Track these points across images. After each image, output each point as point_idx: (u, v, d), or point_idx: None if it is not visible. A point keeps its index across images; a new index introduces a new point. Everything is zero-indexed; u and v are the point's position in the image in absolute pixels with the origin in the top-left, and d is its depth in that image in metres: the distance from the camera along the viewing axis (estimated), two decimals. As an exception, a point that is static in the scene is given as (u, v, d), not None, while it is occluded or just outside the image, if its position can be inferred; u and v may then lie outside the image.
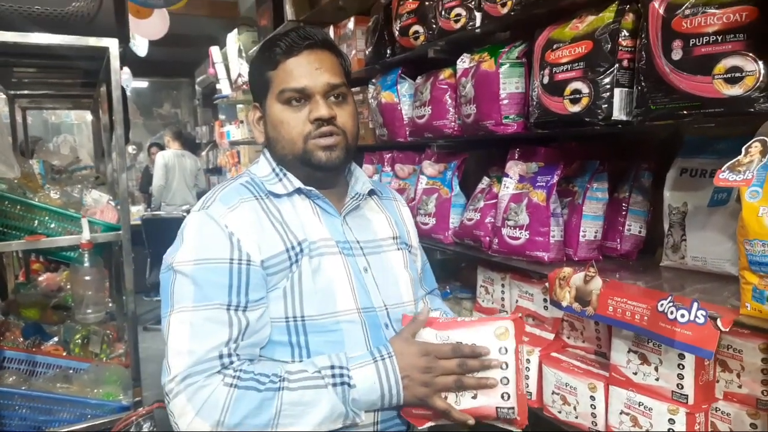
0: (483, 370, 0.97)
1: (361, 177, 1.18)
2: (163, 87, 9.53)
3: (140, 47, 4.43)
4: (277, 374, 0.92)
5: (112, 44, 1.70)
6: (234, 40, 4.68)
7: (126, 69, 5.49)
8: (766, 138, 0.87)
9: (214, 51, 5.39)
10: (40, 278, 2.82)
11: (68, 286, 2.56)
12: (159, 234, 5.05)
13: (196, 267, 0.95)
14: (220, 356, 0.91)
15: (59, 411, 1.63)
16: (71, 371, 1.80)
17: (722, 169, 0.91)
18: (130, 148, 8.29)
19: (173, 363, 0.91)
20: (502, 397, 0.97)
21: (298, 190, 1.08)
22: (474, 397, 0.98)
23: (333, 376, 0.93)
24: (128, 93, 7.77)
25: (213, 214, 0.99)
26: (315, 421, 0.91)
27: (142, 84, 8.96)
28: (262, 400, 0.89)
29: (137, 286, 1.99)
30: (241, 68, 4.60)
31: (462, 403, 0.98)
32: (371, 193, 1.21)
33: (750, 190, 0.92)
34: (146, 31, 3.82)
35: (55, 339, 2.00)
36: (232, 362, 0.92)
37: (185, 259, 0.96)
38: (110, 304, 2.51)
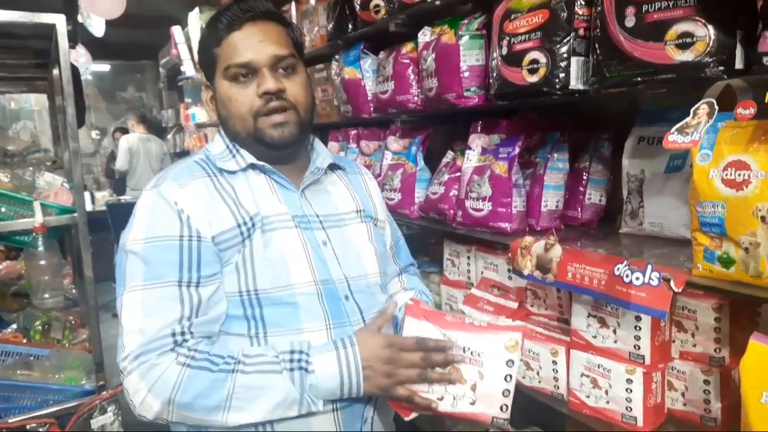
0: (447, 365, 0.97)
1: (322, 152, 1.17)
2: (126, 70, 9.23)
3: (96, 27, 4.27)
4: (234, 357, 0.92)
5: (59, 20, 1.63)
6: (196, 19, 4.54)
7: (84, 51, 5.28)
8: (712, 99, 0.89)
9: (176, 31, 5.24)
10: (-1, 267, 2.73)
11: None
12: (125, 219, 4.90)
13: (146, 245, 0.95)
14: (173, 334, 0.92)
15: (19, 398, 1.59)
16: (32, 358, 1.74)
17: (671, 131, 0.92)
18: (94, 133, 8.07)
19: (126, 341, 0.92)
20: (501, 408, 0.97)
21: (252, 166, 1.06)
22: (472, 404, 0.97)
23: (291, 361, 0.92)
24: (89, 77, 7.52)
25: (163, 192, 0.99)
26: (267, 407, 0.91)
27: (104, 67, 8.66)
28: (213, 381, 0.89)
29: (104, 272, 1.93)
30: (204, 48, 4.49)
31: (459, 406, 0.98)
32: (335, 167, 1.19)
33: (701, 153, 0.94)
34: (102, 10, 3.68)
35: (14, 326, 1.95)
36: (185, 340, 0.92)
37: (136, 238, 0.97)
38: (73, 290, 2.45)
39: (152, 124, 6.92)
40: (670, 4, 0.98)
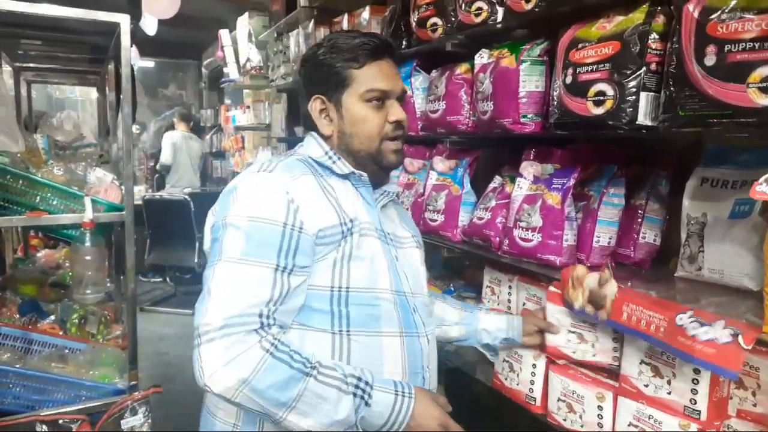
0: None
1: (394, 178, 1.31)
2: (170, 68, 9.44)
3: (149, 26, 4.37)
4: (310, 360, 0.95)
5: (123, 20, 1.66)
6: (244, 23, 4.62)
7: (133, 47, 5.41)
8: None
9: (224, 34, 5.32)
10: (39, 254, 2.78)
11: (67, 264, 2.52)
12: (160, 215, 5.01)
13: (251, 223, 0.99)
14: (260, 315, 0.94)
15: (54, 391, 1.60)
16: (67, 351, 1.76)
17: (759, 181, 0.87)
18: (134, 128, 8.24)
19: (211, 307, 0.93)
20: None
21: (349, 175, 1.14)
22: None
23: (357, 387, 0.97)
24: (135, 72, 7.70)
25: (276, 178, 1.04)
26: (326, 420, 0.94)
27: (149, 64, 8.87)
28: (290, 378, 0.91)
29: (136, 267, 1.94)
30: (250, 53, 4.55)
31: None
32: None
33: (780, 205, 0.89)
34: (156, 10, 3.77)
35: (52, 318, 1.97)
36: (270, 324, 0.95)
37: (240, 213, 1.00)
38: (108, 284, 2.48)
39: (195, 123, 7.04)
40: (756, 45, 0.94)
